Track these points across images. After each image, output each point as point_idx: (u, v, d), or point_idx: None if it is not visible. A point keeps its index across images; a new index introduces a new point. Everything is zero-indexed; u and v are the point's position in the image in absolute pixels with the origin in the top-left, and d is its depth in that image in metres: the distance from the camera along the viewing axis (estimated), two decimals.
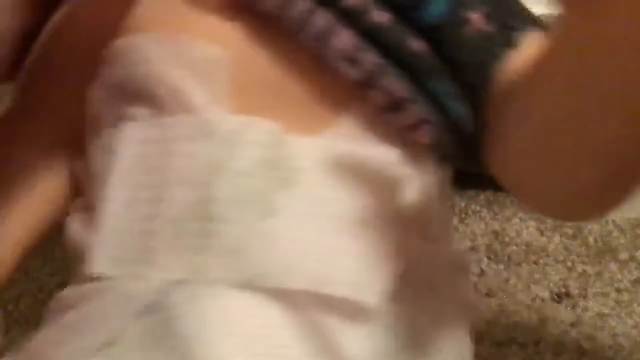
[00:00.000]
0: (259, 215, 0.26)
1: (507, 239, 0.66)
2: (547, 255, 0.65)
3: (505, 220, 0.68)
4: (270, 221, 0.26)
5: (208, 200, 0.26)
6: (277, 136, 0.27)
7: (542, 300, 0.63)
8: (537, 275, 0.64)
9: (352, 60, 0.27)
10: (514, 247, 0.65)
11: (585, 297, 0.63)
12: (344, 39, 0.27)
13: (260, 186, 0.27)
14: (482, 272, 0.63)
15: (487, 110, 0.28)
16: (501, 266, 0.64)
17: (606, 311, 0.62)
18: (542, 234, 0.67)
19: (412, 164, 0.29)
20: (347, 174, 0.27)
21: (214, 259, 0.25)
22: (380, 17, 0.27)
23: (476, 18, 0.29)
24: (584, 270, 0.65)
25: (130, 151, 0.28)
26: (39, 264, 0.64)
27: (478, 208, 0.70)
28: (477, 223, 0.68)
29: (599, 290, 0.63)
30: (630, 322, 0.61)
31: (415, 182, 0.29)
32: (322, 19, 0.27)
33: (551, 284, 0.64)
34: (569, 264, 0.65)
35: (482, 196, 0.71)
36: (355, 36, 0.27)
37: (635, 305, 0.62)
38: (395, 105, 0.27)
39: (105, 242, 0.27)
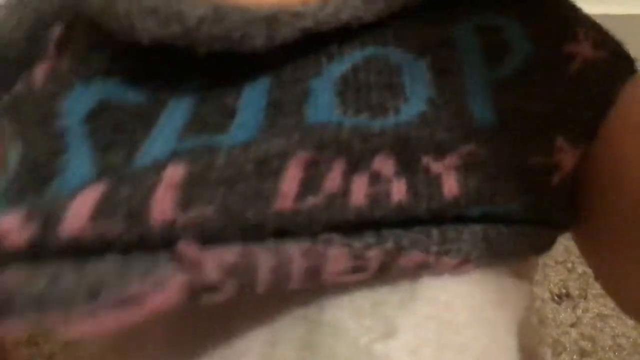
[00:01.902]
0: (377, 334, 0.21)
1: None
2: (547, 257, 0.65)
3: None
4: (388, 343, 0.21)
5: (320, 305, 0.21)
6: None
7: (543, 301, 0.63)
8: (537, 277, 0.64)
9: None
10: None
11: (585, 298, 0.63)
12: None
13: (379, 298, 0.22)
14: None
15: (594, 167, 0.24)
16: None
17: (606, 312, 0.62)
18: None
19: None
20: (467, 294, 0.23)
21: None
22: (399, 193, 0.21)
23: (582, 48, 0.24)
24: (584, 272, 0.65)
25: None
26: None
27: None
28: None
29: (599, 291, 0.63)
30: (630, 322, 0.61)
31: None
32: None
33: (551, 285, 0.64)
34: (569, 265, 0.65)
35: None
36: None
37: None
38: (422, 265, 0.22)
39: None
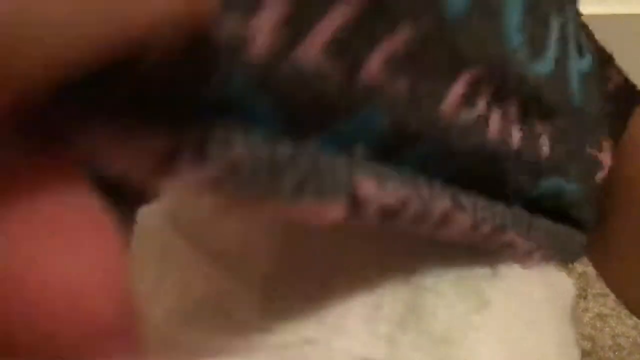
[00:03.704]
0: (472, 304, 0.22)
1: None
2: None
3: None
4: (483, 314, 0.22)
5: (421, 272, 0.22)
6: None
7: None
8: None
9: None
10: None
11: (585, 297, 0.63)
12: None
13: (470, 271, 0.23)
14: None
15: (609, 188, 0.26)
16: None
17: (606, 312, 0.62)
18: None
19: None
20: (536, 274, 0.24)
21: (418, 345, 0.21)
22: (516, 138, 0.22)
23: (613, 74, 0.27)
24: (584, 271, 0.65)
25: None
26: None
27: None
28: None
29: (599, 291, 0.63)
30: (630, 322, 0.61)
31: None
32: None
33: None
34: (569, 264, 0.65)
35: None
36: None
37: None
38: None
39: None
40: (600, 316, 0.62)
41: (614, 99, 0.26)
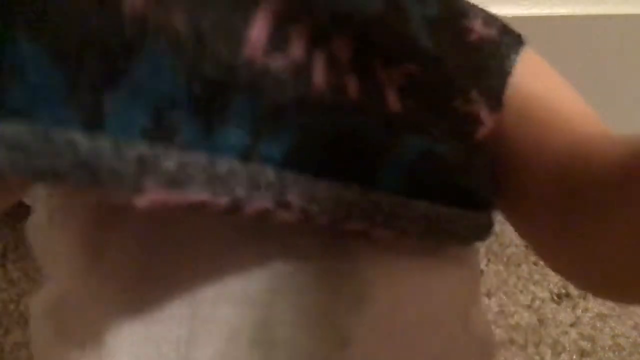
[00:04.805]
0: (332, 344, 0.21)
1: (506, 240, 0.66)
2: None
3: (504, 221, 0.68)
4: (344, 352, 0.21)
5: (268, 324, 0.21)
6: (343, 239, 0.22)
7: (542, 300, 0.63)
8: (536, 276, 0.64)
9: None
10: (514, 249, 0.65)
11: (585, 297, 0.63)
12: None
13: (328, 307, 0.21)
14: (482, 273, 0.64)
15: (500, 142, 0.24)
16: (501, 267, 0.64)
17: (606, 312, 0.62)
18: None
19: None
20: (413, 292, 0.23)
21: None
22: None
23: (475, 24, 0.24)
24: None
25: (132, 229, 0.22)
26: (38, 264, 0.64)
27: None
28: None
29: None
30: (630, 322, 0.61)
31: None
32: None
33: (551, 285, 0.64)
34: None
35: None
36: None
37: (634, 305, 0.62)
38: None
39: None
40: (600, 316, 0.62)
41: (479, 51, 0.24)
